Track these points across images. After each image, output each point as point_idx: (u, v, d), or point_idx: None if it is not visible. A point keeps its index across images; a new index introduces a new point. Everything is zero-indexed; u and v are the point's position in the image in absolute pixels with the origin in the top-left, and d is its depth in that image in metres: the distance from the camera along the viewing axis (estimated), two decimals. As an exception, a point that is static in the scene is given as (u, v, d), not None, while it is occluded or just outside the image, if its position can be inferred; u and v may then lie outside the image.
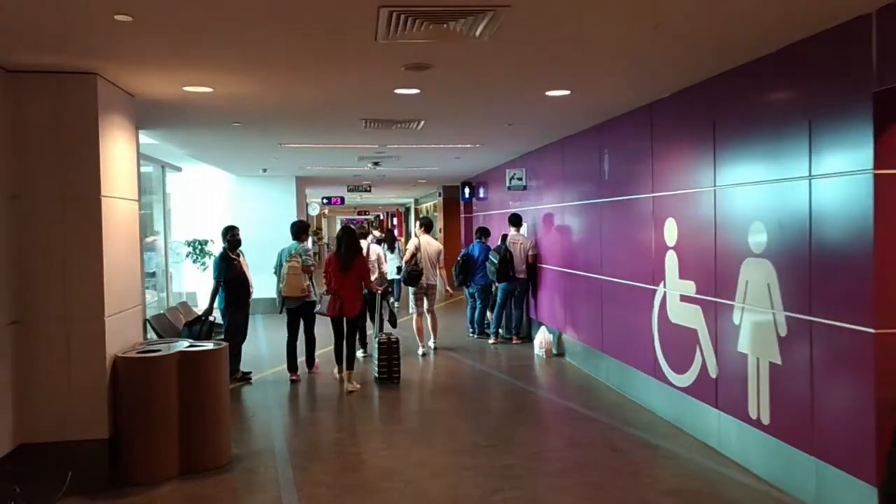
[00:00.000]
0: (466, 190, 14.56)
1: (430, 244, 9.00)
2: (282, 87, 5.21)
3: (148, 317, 7.56)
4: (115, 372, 4.68)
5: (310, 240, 8.45)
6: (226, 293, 7.54)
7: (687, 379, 5.48)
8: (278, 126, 7.25)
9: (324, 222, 47.51)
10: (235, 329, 7.60)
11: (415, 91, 5.34)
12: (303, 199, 15.71)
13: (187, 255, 14.45)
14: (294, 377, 7.61)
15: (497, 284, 9.68)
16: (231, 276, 7.50)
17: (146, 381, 4.67)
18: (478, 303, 10.19)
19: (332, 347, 7.58)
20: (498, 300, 9.80)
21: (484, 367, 8.45)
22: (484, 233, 10.29)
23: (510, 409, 6.57)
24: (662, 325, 5.89)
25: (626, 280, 6.64)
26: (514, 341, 9.72)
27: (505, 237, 9.73)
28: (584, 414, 6.21)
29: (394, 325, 8.00)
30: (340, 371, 7.43)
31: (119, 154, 5.05)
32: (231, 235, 7.73)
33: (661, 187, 5.91)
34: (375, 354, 7.48)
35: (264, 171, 12.03)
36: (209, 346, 5.14)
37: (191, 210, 14.94)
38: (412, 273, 8.72)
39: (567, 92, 5.52)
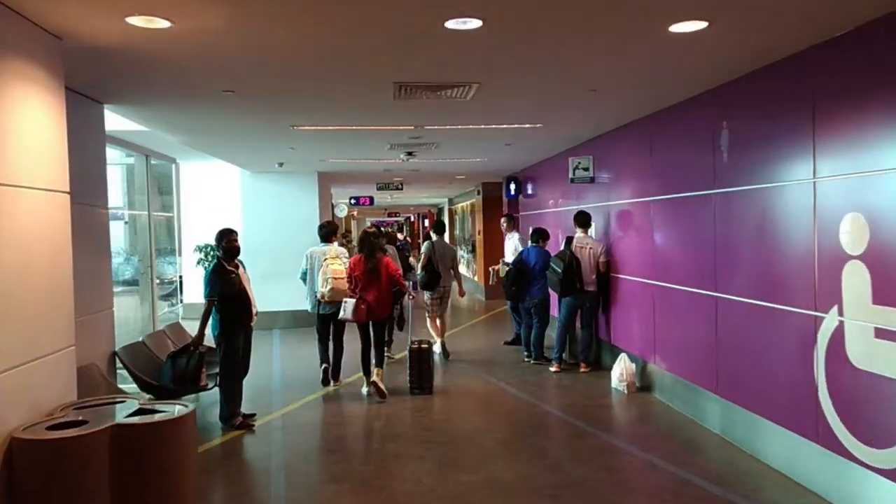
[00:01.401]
0: (512, 186, 12.72)
1: (444, 247, 8.86)
2: (271, 21, 3.47)
3: (123, 346, 5.92)
4: (8, 460, 2.98)
5: (335, 243, 7.68)
6: (221, 315, 5.86)
7: (891, 458, 3.59)
8: (284, 98, 5.53)
9: (353, 224, 46.26)
10: (232, 361, 5.91)
11: (475, 24, 3.55)
12: (327, 198, 14.04)
13: (198, 263, 12.90)
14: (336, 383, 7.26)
15: (560, 298, 7.86)
16: (227, 293, 5.82)
17: (59, 472, 2.96)
18: (535, 320, 8.36)
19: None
20: (561, 318, 7.96)
21: (547, 404, 6.63)
22: (541, 235, 8.46)
23: (591, 481, 4.72)
24: (837, 370, 4.00)
25: (764, 301, 4.75)
26: (582, 369, 7.86)
27: (570, 241, 7.88)
28: (708, 492, 4.34)
29: (401, 328, 7.95)
30: (368, 384, 6.87)
31: (29, 124, 3.36)
32: (227, 241, 6.06)
33: (831, 167, 4.03)
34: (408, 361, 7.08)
35: (280, 165, 10.37)
36: (168, 410, 3.42)
37: (203, 210, 13.42)
38: (430, 276, 8.59)
39: (703, 24, 3.67)
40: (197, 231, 13.34)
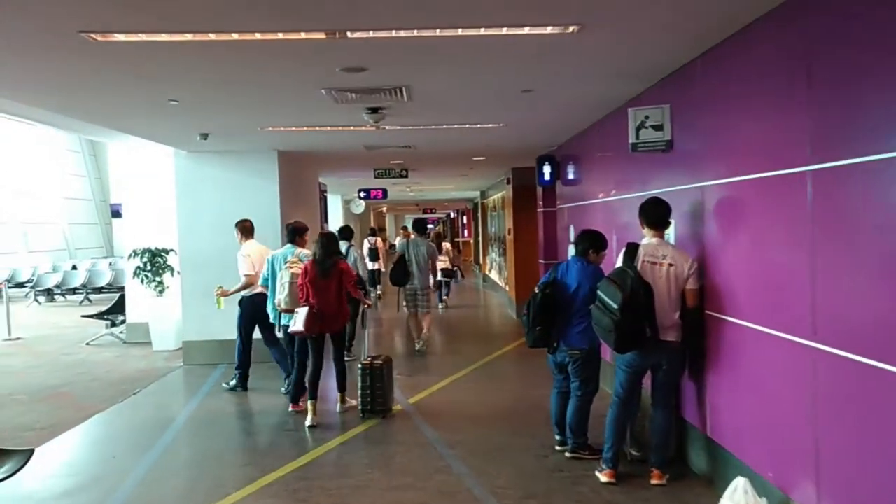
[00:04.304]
0: (546, 169, 9.28)
1: (419, 246, 9.04)
2: None
3: None
4: None
5: (301, 246, 6.78)
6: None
7: None
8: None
9: (388, 221, 43.20)
10: None
11: None
12: (300, 187, 10.87)
13: (135, 274, 9.92)
14: (297, 408, 6.29)
15: (613, 351, 4.47)
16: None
17: None
18: (574, 384, 4.96)
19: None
20: (618, 388, 4.55)
21: None
22: (592, 242, 5.03)
23: None
24: None
25: None
26: (654, 479, 4.41)
27: (632, 252, 4.45)
28: None
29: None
30: (314, 409, 5.98)
31: None
32: None
33: None
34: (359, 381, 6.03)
35: (204, 138, 7.21)
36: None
37: (143, 203, 10.46)
38: (397, 273, 8.93)
39: None
40: (136, 229, 10.39)
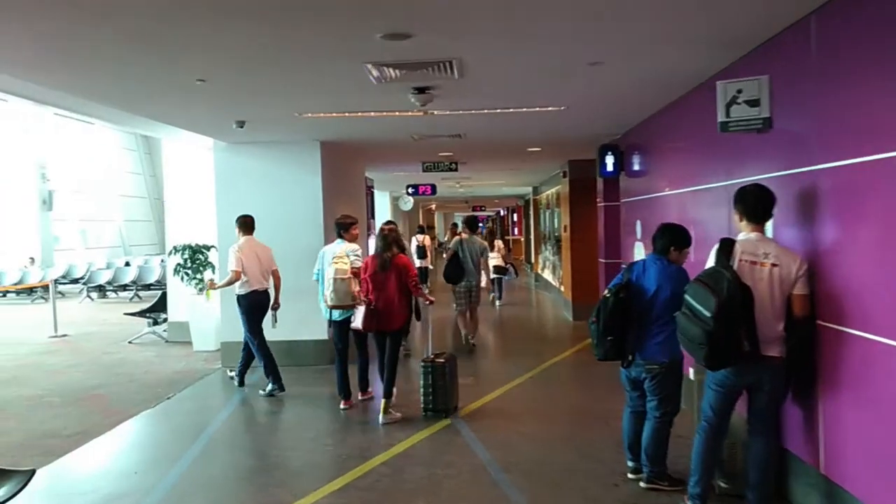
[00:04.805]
0: (608, 159, 8.52)
1: (473, 243, 8.88)
2: None
3: None
4: None
5: (345, 240, 6.48)
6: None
7: None
8: None
9: (437, 219, 42.69)
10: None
11: None
12: (345, 181, 10.40)
13: (176, 272, 9.58)
14: (346, 405, 6.21)
15: (702, 368, 3.75)
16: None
17: None
18: (652, 403, 4.25)
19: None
20: (707, 410, 3.83)
21: None
22: (674, 238, 4.30)
23: None
24: None
25: None
26: (753, 521, 3.70)
27: (726, 246, 3.71)
28: None
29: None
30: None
31: None
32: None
33: None
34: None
35: (241, 126, 6.74)
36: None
37: (187, 200, 10.14)
38: (452, 271, 8.76)
39: None
40: (181, 225, 10.09)
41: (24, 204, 21.40)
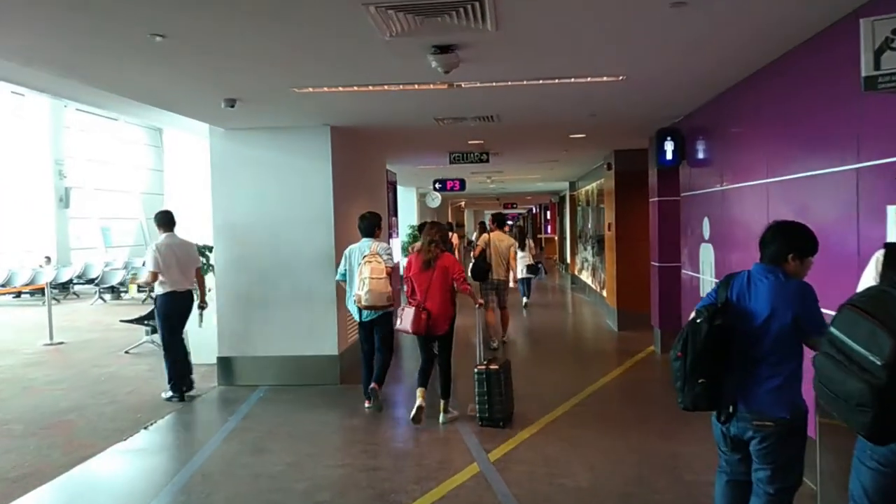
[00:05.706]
0: (667, 146, 7.25)
1: (501, 240, 8.76)
2: None
3: None
4: None
5: (377, 238, 6.22)
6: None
7: None
8: None
9: (466, 216, 41.42)
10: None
11: None
12: (371, 175, 9.30)
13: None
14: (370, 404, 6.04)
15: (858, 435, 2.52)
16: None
17: None
18: (762, 474, 3.01)
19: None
20: (860, 491, 2.58)
21: None
22: (794, 241, 3.01)
23: None
24: None
25: None
26: None
27: (891, 254, 2.46)
28: None
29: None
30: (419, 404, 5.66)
31: None
32: None
33: None
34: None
35: (231, 105, 5.64)
36: None
37: (188, 193, 9.13)
38: (479, 268, 8.57)
39: None
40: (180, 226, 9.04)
41: (41, 201, 20.79)
